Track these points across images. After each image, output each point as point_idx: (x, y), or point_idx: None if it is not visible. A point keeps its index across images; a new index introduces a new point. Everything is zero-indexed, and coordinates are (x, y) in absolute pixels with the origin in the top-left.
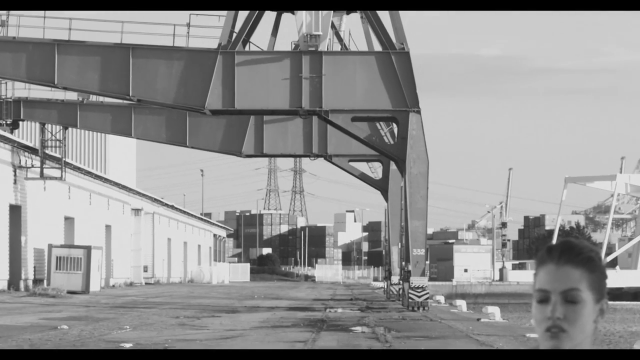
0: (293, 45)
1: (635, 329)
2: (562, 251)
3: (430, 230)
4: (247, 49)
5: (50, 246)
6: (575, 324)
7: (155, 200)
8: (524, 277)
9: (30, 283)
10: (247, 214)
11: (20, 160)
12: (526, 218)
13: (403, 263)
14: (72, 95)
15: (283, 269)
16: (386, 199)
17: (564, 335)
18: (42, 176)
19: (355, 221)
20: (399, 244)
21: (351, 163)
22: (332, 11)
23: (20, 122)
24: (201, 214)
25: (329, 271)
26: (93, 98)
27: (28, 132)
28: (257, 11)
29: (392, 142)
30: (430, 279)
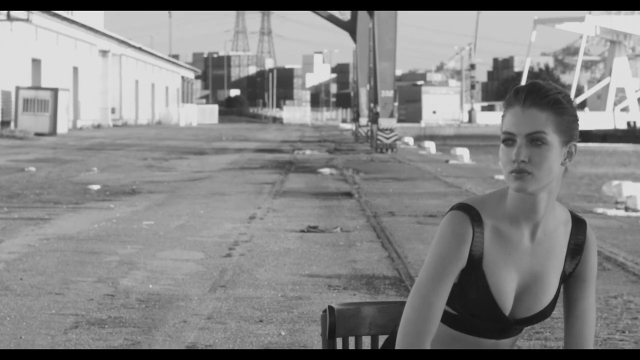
0: None
1: (602, 171)
2: (528, 93)
3: (398, 72)
4: None
5: (17, 88)
6: (541, 166)
7: (122, 42)
8: (493, 119)
9: None
10: (215, 55)
11: None
12: (495, 60)
13: (371, 105)
14: None
15: (251, 110)
16: (355, 40)
17: (529, 177)
18: (8, 18)
19: (323, 63)
20: (368, 85)
21: None
22: None
23: None
24: (169, 56)
25: (297, 113)
26: None
27: None
28: None
29: None
30: (399, 121)
